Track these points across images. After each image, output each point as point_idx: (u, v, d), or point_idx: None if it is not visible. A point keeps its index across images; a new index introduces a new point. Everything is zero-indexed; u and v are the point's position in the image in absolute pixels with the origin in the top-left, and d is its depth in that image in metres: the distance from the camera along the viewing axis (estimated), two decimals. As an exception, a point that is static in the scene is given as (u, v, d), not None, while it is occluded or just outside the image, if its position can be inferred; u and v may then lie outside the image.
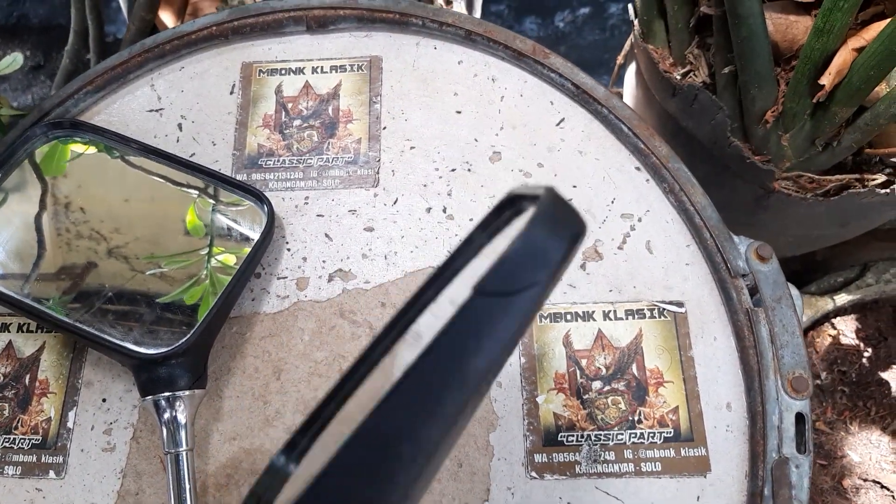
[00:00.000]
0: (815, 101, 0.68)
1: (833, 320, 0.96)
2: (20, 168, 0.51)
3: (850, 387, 0.92)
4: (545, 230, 0.19)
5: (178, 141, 0.54)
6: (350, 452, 0.17)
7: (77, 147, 0.51)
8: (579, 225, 0.20)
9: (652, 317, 0.46)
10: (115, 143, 0.51)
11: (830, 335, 0.95)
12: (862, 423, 0.90)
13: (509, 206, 0.24)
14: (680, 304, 0.47)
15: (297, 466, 0.24)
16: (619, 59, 0.95)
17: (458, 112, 0.53)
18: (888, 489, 0.85)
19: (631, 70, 0.90)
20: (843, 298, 0.94)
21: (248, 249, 0.47)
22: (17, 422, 0.47)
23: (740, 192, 0.78)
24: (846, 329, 0.95)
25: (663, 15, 0.77)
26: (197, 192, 0.50)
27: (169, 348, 0.43)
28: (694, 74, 0.77)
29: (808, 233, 0.83)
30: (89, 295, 0.46)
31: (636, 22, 0.81)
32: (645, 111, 0.85)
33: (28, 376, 0.49)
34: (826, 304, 0.92)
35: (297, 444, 0.24)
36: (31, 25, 1.64)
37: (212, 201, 0.50)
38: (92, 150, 0.51)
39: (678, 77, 0.76)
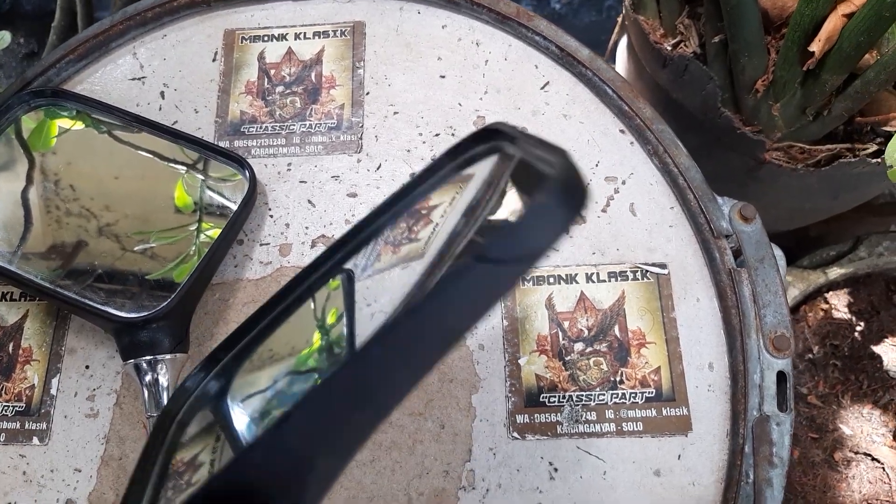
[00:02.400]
0: (805, 69, 0.67)
1: (825, 294, 0.95)
2: (7, 142, 0.50)
3: (842, 360, 0.92)
4: (556, 201, 0.19)
5: (160, 109, 0.53)
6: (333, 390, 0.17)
7: (64, 122, 0.51)
8: (585, 198, 0.20)
9: (635, 279, 0.46)
10: (97, 111, 0.51)
11: (823, 309, 0.94)
12: (854, 397, 0.90)
13: (485, 139, 0.23)
14: (663, 266, 0.46)
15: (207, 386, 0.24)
16: (613, 36, 0.94)
17: (442, 77, 0.52)
18: (879, 461, 0.85)
19: (622, 43, 0.90)
20: (835, 272, 0.94)
21: None
22: (1, 389, 0.47)
23: (731, 164, 0.78)
24: (838, 303, 0.95)
25: (653, -15, 0.77)
26: (185, 168, 0.49)
27: (150, 312, 0.43)
28: (684, 45, 0.76)
29: (801, 205, 0.83)
30: (77, 271, 0.46)
31: (626, -7, 0.80)
32: (636, 83, 0.85)
33: (11, 344, 0.49)
34: (818, 277, 0.92)
35: (212, 366, 0.24)
36: (24, 12, 1.63)
37: (200, 177, 0.49)
38: (79, 125, 0.51)
39: (669, 48, 0.76)
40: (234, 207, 0.47)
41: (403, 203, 0.24)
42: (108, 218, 0.48)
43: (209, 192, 0.49)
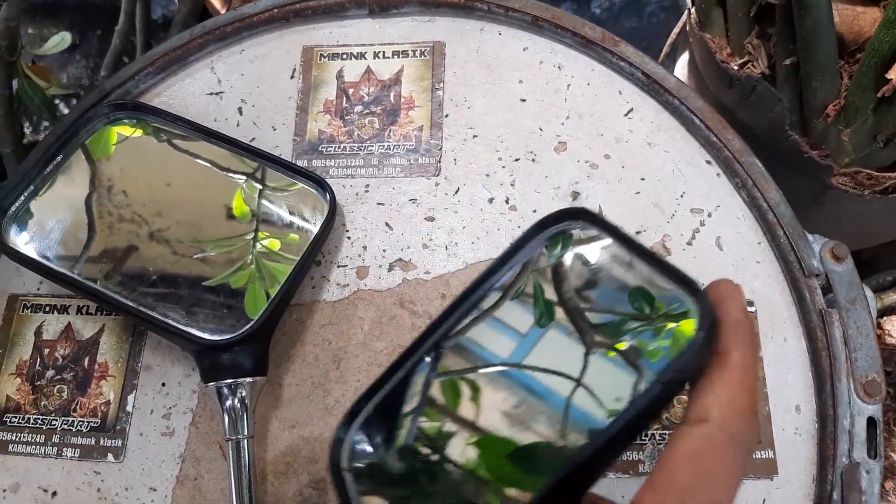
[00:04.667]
0: (880, 95, 0.66)
1: (880, 320, 0.94)
2: (76, 154, 0.50)
3: (895, 388, 0.90)
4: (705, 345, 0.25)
5: (238, 125, 0.53)
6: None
7: (123, 130, 0.51)
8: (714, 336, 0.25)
9: (721, 315, 0.45)
10: (177, 126, 0.50)
11: (877, 335, 0.93)
12: (908, 425, 0.88)
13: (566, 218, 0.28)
14: (750, 303, 0.45)
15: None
16: (666, 48, 0.93)
17: (523, 100, 0.52)
18: (933, 493, 0.83)
19: (683, 60, 0.88)
20: (891, 298, 0.92)
21: (294, 235, 0.47)
22: (76, 404, 0.47)
23: (795, 187, 0.76)
24: (893, 329, 0.93)
25: (722, 3, 0.75)
26: (244, 178, 0.49)
27: (233, 335, 0.43)
28: (752, 65, 0.75)
29: (863, 230, 0.81)
30: (143, 277, 0.46)
31: (692, 9, 0.79)
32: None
33: (87, 359, 0.49)
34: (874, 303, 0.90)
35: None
36: (67, 4, 1.65)
37: (259, 186, 0.49)
38: (138, 132, 0.51)
39: (736, 67, 0.74)
40: (293, 217, 0.47)
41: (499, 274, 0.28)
42: (165, 223, 0.48)
43: (266, 202, 0.48)
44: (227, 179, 0.49)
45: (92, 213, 0.49)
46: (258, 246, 0.48)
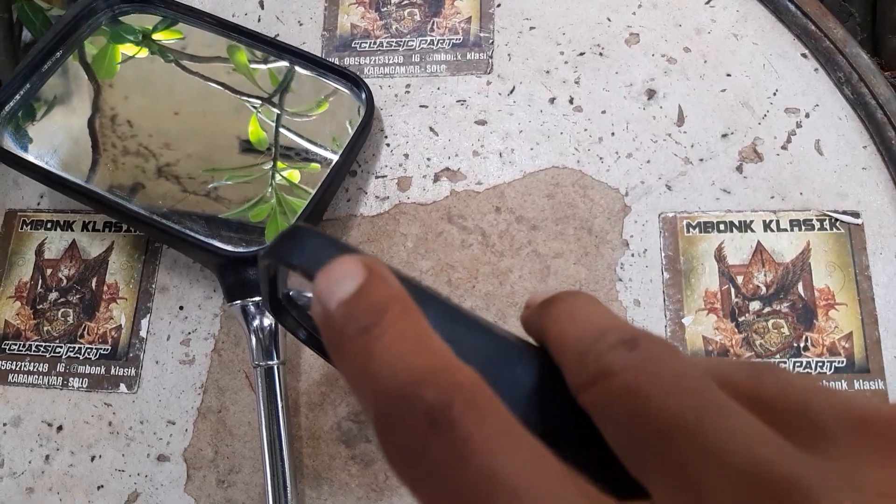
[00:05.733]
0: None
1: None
2: (72, 66, 0.44)
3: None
4: None
5: (259, 20, 0.47)
6: None
7: (128, 49, 0.45)
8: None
9: (822, 228, 0.39)
10: (189, 19, 0.45)
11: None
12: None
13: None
14: (856, 215, 0.39)
15: None
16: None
17: (587, -13, 0.45)
18: None
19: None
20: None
21: (315, 165, 0.41)
22: (84, 329, 0.42)
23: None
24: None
25: None
26: (260, 102, 0.43)
27: (261, 246, 0.37)
28: (825, -26, 0.68)
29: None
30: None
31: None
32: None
33: (95, 279, 0.43)
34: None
35: None
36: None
37: (276, 111, 0.43)
38: (144, 52, 0.45)
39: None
40: (315, 146, 0.41)
41: None
42: (175, 154, 0.43)
43: (285, 129, 0.43)
44: (241, 104, 0.43)
45: (96, 135, 0.43)
46: (277, 177, 0.42)
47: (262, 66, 0.44)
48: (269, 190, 0.42)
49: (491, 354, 0.17)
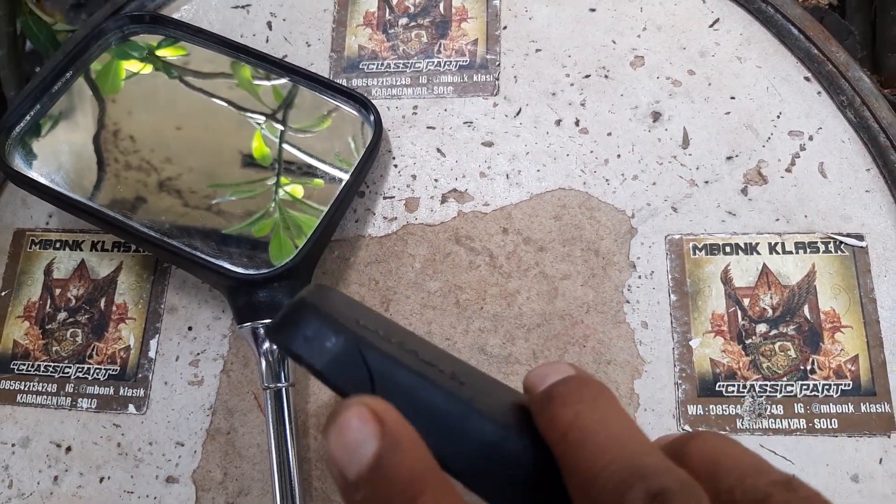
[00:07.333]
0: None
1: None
2: (77, 82, 0.44)
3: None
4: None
5: (267, 41, 0.47)
6: None
7: (132, 65, 0.45)
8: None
9: (827, 251, 0.40)
10: (200, 40, 0.45)
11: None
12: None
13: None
14: (860, 237, 0.40)
15: None
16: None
17: (592, 10, 0.45)
18: None
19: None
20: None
21: (319, 181, 0.41)
22: (92, 349, 0.42)
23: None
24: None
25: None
26: (264, 118, 0.43)
27: (271, 269, 0.38)
28: (824, -7, 0.69)
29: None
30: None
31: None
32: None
33: (104, 300, 0.43)
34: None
35: None
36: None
37: (280, 127, 0.43)
38: (148, 68, 0.45)
39: (805, -4, 0.68)
40: (318, 162, 0.41)
41: None
42: (177, 169, 0.43)
43: (288, 145, 0.43)
44: (243, 120, 0.43)
45: (101, 152, 0.43)
46: (280, 192, 0.42)
47: (266, 83, 0.44)
48: (273, 205, 0.42)
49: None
